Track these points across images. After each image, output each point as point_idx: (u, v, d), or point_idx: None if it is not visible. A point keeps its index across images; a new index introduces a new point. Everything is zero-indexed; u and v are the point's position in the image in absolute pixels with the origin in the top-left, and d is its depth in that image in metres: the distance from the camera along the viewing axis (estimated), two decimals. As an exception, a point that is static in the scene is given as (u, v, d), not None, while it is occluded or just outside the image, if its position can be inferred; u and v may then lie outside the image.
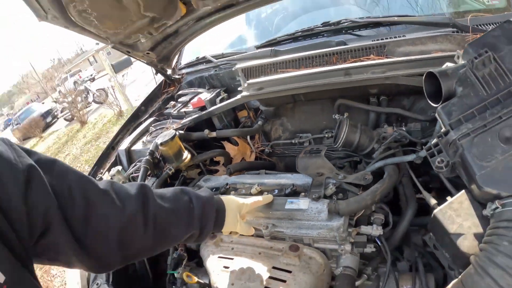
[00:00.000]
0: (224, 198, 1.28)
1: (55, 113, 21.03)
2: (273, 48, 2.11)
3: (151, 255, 1.14)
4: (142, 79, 14.22)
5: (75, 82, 19.40)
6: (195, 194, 1.15)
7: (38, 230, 0.76)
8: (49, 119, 20.62)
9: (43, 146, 15.69)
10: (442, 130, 1.08)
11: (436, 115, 1.10)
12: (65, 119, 17.22)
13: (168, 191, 1.11)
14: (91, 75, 24.34)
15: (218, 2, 1.86)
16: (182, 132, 1.96)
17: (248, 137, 2.12)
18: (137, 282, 1.73)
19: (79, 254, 0.84)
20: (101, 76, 25.88)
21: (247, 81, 1.84)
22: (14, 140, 26.60)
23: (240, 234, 1.34)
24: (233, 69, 2.11)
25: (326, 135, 1.88)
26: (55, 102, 19.39)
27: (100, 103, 14.27)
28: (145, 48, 2.31)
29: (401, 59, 1.46)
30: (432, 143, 1.12)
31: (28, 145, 18.88)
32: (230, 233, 1.36)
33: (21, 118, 23.71)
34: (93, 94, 15.64)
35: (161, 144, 1.77)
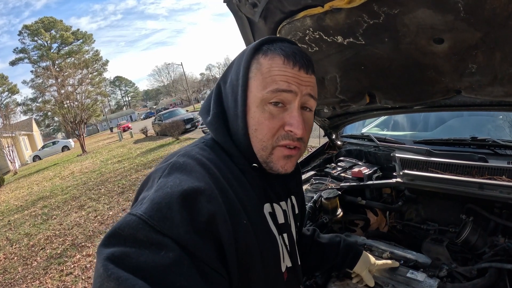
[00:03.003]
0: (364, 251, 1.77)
1: (196, 123, 23.26)
2: (428, 148, 2.44)
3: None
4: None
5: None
6: (344, 237, 1.77)
7: None
8: (188, 126, 22.99)
9: (177, 147, 17.65)
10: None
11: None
12: (203, 131, 19.03)
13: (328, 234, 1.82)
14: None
15: (396, 104, 2.21)
16: (340, 193, 2.40)
17: (387, 212, 2.53)
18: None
19: None
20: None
21: (404, 171, 2.21)
22: (150, 132, 28.90)
23: (365, 285, 1.74)
24: (391, 154, 2.51)
25: (450, 229, 2.15)
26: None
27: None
28: (324, 116, 2.88)
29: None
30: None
31: (163, 142, 21.07)
32: (357, 282, 1.77)
33: (164, 116, 26.41)
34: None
35: (326, 198, 2.30)
